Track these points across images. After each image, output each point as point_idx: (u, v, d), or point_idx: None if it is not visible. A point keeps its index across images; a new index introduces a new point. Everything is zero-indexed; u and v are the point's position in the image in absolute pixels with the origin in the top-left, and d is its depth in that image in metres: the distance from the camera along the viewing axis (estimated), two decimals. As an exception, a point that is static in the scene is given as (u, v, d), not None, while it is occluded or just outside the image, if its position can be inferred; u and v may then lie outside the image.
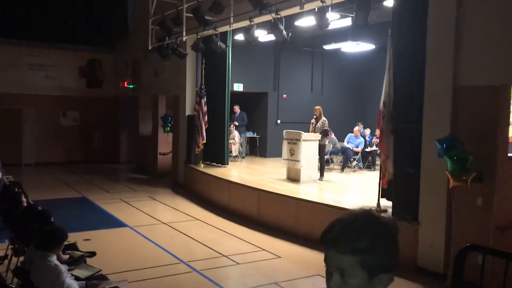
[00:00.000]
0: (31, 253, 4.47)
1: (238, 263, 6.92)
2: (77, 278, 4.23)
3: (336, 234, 1.39)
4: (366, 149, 12.91)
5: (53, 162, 17.37)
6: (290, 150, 10.25)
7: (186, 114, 13.28)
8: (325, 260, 1.41)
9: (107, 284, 4.36)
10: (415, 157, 6.63)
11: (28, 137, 17.41)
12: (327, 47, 13.21)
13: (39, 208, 5.45)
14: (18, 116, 17.19)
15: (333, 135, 13.04)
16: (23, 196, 6.78)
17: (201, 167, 12.39)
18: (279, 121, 15.52)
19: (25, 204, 6.59)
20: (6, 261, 5.79)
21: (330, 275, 1.39)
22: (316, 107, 10.81)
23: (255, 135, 15.88)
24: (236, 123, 14.22)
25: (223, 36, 11.21)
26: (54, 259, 4.06)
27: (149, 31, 12.30)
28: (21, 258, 5.27)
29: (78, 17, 17.63)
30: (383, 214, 7.04)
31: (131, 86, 17.13)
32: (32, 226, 4.99)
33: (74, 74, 18.15)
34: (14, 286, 4.61)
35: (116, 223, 9.27)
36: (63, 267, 4.09)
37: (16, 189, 7.28)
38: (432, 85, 6.42)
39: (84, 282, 4.23)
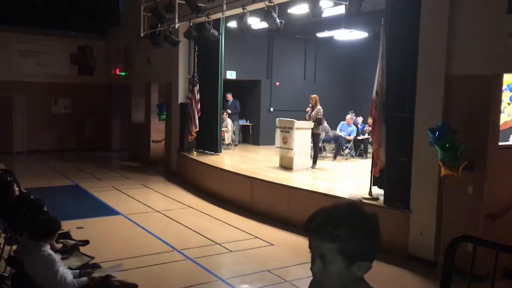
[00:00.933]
0: (24, 242, 4.46)
1: (231, 251, 6.96)
2: (70, 268, 4.23)
3: (318, 222, 1.49)
4: (359, 137, 12.96)
5: (44, 149, 17.28)
6: (283, 138, 10.27)
7: (179, 102, 13.24)
8: (309, 247, 1.53)
9: (101, 272, 4.38)
10: (407, 145, 6.67)
11: (19, 124, 17.27)
12: (320, 34, 13.16)
13: (32, 197, 5.43)
14: (9, 103, 17.02)
15: (325, 123, 13.06)
16: (15, 184, 6.74)
17: (194, 155, 12.38)
18: (272, 109, 15.52)
19: (17, 192, 6.55)
20: (-1, 250, 5.77)
21: (313, 260, 1.51)
22: (312, 96, 10.81)
23: (248, 123, 15.88)
24: (229, 111, 14.21)
25: (216, 23, 11.13)
26: (47, 248, 4.06)
27: (141, 17, 12.18)
28: (14, 247, 5.27)
29: (69, 3, 17.37)
30: (374, 202, 7.11)
31: (123, 74, 17.01)
32: (25, 215, 4.98)
33: (65, 61, 17.98)
34: (7, 275, 4.62)
35: (109, 211, 9.27)
36: (57, 257, 4.09)
37: (8, 178, 7.23)
38: (424, 73, 6.44)
39: (78, 271, 4.24)
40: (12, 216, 5.58)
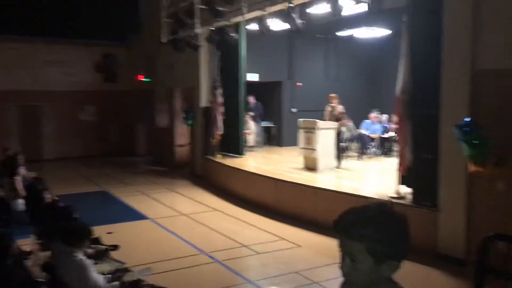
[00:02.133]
0: (56, 248, 4.58)
1: (258, 253, 6.99)
2: (101, 273, 4.33)
3: (347, 221, 1.53)
4: (383, 136, 12.82)
5: (72, 156, 17.66)
6: (307, 139, 10.24)
7: (202, 106, 13.34)
8: (339, 246, 1.56)
9: (131, 276, 4.46)
10: (433, 143, 6.58)
11: (47, 132, 17.70)
12: (341, 33, 13.09)
13: (62, 204, 5.56)
14: (38, 112, 17.48)
15: (350, 122, 12.97)
16: (46, 192, 6.93)
17: (218, 158, 12.46)
18: (294, 110, 15.48)
19: (49, 200, 6.73)
20: (33, 256, 5.93)
21: (343, 259, 1.55)
22: (332, 95, 10.75)
23: (271, 125, 15.88)
24: (252, 113, 14.24)
25: (237, 26, 11.19)
26: (80, 254, 4.16)
27: (162, 24, 12.33)
28: (47, 253, 5.41)
29: (92, 12, 17.72)
30: (401, 201, 7.02)
31: (147, 80, 17.24)
32: (56, 222, 5.11)
33: (89, 69, 18.34)
34: (42, 280, 4.74)
35: (137, 215, 9.41)
36: (89, 262, 4.19)
37: (39, 186, 7.44)
38: (449, 69, 6.34)
39: (110, 276, 4.33)
40: (45, 223, 5.74)
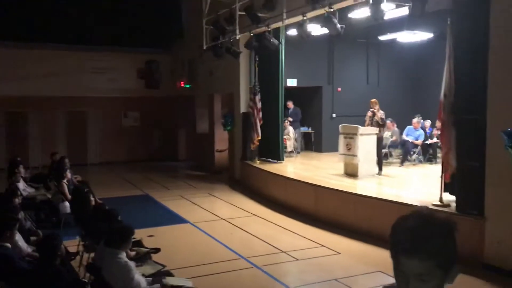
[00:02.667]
0: (101, 250, 4.72)
1: (297, 259, 6.95)
2: (143, 275, 4.42)
3: (409, 242, 1.41)
4: (427, 142, 12.50)
5: (116, 161, 18.16)
6: (347, 145, 10.11)
7: (241, 111, 13.44)
8: (398, 268, 1.46)
9: (172, 281, 4.52)
10: (479, 149, 6.37)
11: (92, 137, 18.31)
12: (382, 37, 12.88)
13: (107, 207, 5.72)
14: (83, 118, 18.10)
15: (395, 127, 12.72)
16: (91, 195, 7.15)
17: (257, 163, 12.50)
18: (334, 115, 15.34)
19: (93, 203, 6.95)
20: (78, 257, 6.14)
21: (406, 281, 1.43)
22: (372, 100, 10.58)
23: (309, 130, 15.79)
24: (290, 119, 14.22)
25: (276, 32, 11.24)
26: (123, 256, 4.27)
27: (203, 31, 12.53)
28: (92, 255, 5.58)
29: (135, 20, 18.25)
30: (446, 209, 6.82)
31: (187, 86, 17.55)
32: (101, 224, 5.27)
33: (133, 76, 18.85)
34: (87, 281, 4.90)
35: (177, 219, 9.56)
36: (132, 264, 4.29)
37: (84, 189, 7.69)
38: (497, 73, 6.13)
39: (150, 279, 4.41)
40: (90, 225, 5.92)
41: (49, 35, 17.01)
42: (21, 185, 9.36)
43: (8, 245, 4.79)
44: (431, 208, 1.56)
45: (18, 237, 5.29)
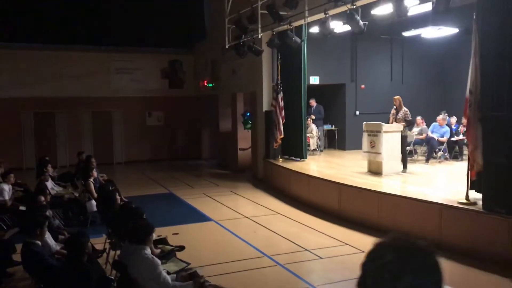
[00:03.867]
0: (126, 247, 4.82)
1: (321, 258, 6.93)
2: (168, 273, 4.50)
3: (373, 278, 1.29)
4: (452, 139, 12.29)
5: (140, 160, 18.44)
6: (371, 143, 10.03)
7: (264, 110, 13.46)
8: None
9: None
10: (507, 146, 6.23)
11: (117, 137, 18.61)
12: (406, 33, 12.70)
13: (133, 206, 5.82)
14: (108, 118, 18.42)
15: (424, 124, 12.53)
16: (117, 193, 7.28)
17: (280, 162, 12.51)
18: (358, 113, 15.21)
19: (119, 201, 7.08)
20: (104, 254, 6.27)
21: None
22: (396, 97, 10.46)
23: (333, 128, 15.71)
24: (313, 117, 14.17)
25: (298, 30, 11.21)
26: (149, 251, 4.35)
27: (225, 30, 12.59)
28: (118, 252, 5.69)
29: (158, 20, 18.46)
30: (472, 207, 6.71)
31: (210, 85, 17.67)
32: (127, 223, 5.37)
33: (157, 76, 19.07)
34: (113, 278, 5.00)
35: (201, 217, 9.65)
36: (158, 260, 4.37)
37: (110, 187, 7.83)
38: (524, 68, 5.98)
39: (175, 275, 4.48)
40: (116, 223, 6.03)
41: (74, 37, 17.37)
42: (50, 184, 9.60)
43: (38, 242, 4.94)
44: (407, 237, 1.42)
45: (47, 235, 5.44)
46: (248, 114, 15.03)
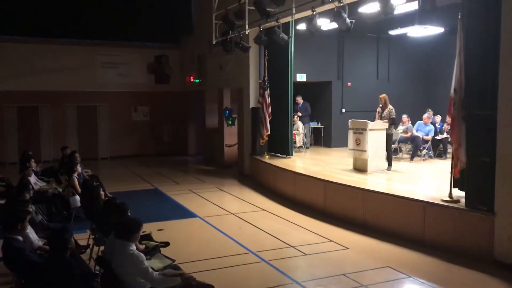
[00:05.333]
0: (111, 243, 4.77)
1: (305, 254, 6.96)
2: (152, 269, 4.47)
3: None
4: (437, 137, 12.42)
5: (126, 155, 18.29)
6: (356, 140, 10.09)
7: (250, 106, 13.45)
8: None
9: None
10: (490, 144, 6.32)
11: (102, 132, 18.45)
12: (393, 32, 12.78)
13: (117, 201, 5.77)
14: (93, 112, 18.25)
15: (409, 123, 12.62)
16: (101, 189, 7.21)
17: (266, 158, 12.52)
18: (344, 110, 15.29)
19: (103, 197, 7.01)
20: (88, 250, 6.21)
21: None
22: (381, 96, 10.52)
23: (319, 125, 15.77)
24: (300, 114, 14.20)
25: (285, 27, 11.19)
26: (134, 247, 4.32)
27: (213, 25, 12.53)
28: (102, 248, 5.64)
29: (145, 14, 18.31)
30: (455, 205, 6.80)
31: (197, 81, 17.59)
32: (111, 218, 5.32)
33: (143, 71, 18.93)
34: (97, 272, 4.95)
35: (186, 213, 9.62)
36: (143, 256, 4.34)
37: (94, 183, 7.75)
38: (508, 68, 6.06)
39: (159, 272, 4.45)
40: (100, 218, 5.97)
41: (59, 30, 17.14)
42: (33, 178, 9.47)
43: (20, 237, 4.86)
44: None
45: (29, 230, 5.36)
46: (228, 111, 15.16)
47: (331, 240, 7.56)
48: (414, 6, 9.31)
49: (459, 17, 6.72)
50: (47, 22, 16.91)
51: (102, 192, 7.05)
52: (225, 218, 9.31)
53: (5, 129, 16.87)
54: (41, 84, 16.91)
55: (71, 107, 17.81)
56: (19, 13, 16.61)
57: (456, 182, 7.08)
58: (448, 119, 9.10)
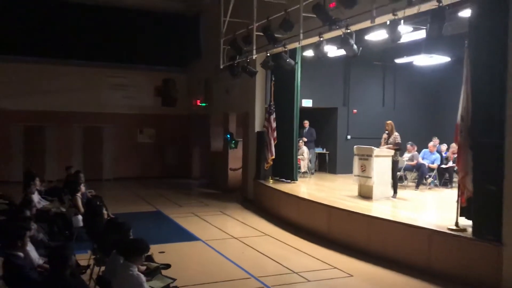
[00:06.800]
0: (112, 263, 4.71)
1: (309, 280, 6.84)
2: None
3: None
4: (443, 165, 12.34)
5: (130, 177, 18.27)
6: (362, 166, 10.03)
7: (256, 130, 13.46)
8: None
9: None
10: (497, 173, 6.25)
11: (107, 153, 18.48)
12: (399, 60, 12.87)
13: (120, 220, 5.72)
14: (99, 133, 18.32)
15: (415, 151, 12.55)
16: (104, 209, 7.17)
17: (270, 183, 12.45)
18: (349, 137, 15.28)
19: (106, 216, 6.96)
20: (89, 271, 6.12)
21: None
22: (388, 122, 10.52)
23: (324, 151, 15.74)
24: (305, 139, 14.20)
25: (292, 52, 11.31)
26: (135, 269, 4.25)
27: (220, 50, 12.67)
28: (102, 268, 5.56)
29: (153, 38, 18.58)
30: (462, 234, 6.69)
31: (203, 104, 17.69)
32: (113, 238, 5.26)
33: (150, 93, 19.08)
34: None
35: (189, 236, 9.52)
36: (143, 278, 4.27)
37: (97, 202, 7.71)
38: (515, 97, 6.05)
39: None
40: (102, 238, 5.92)
41: (68, 51, 17.39)
42: (36, 197, 9.44)
43: (21, 254, 4.81)
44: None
45: (30, 248, 5.30)
46: (229, 135, 15.28)
47: (335, 267, 7.43)
48: (421, 34, 9.40)
49: (466, 45, 6.76)
50: (57, 43, 17.20)
51: (105, 212, 7.02)
52: (227, 242, 9.20)
53: (11, 148, 16.93)
54: (48, 104, 17.06)
55: (77, 127, 17.91)
56: (29, 34, 16.89)
57: (463, 211, 6.99)
58: (454, 147, 9.06)
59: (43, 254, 5.66)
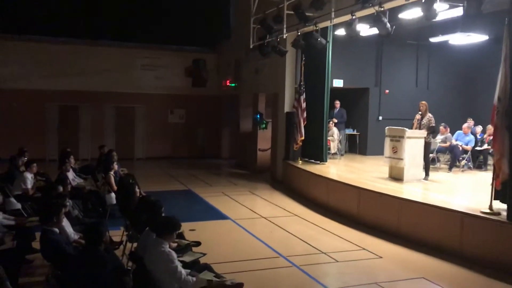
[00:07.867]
0: (144, 239, 4.82)
1: (337, 261, 6.84)
2: (183, 263, 4.49)
3: None
4: (477, 148, 12.03)
5: (160, 156, 18.57)
6: (393, 148, 9.88)
7: (285, 111, 13.40)
8: None
9: (207, 275, 4.52)
10: (535, 156, 6.05)
11: (139, 133, 18.80)
12: (433, 39, 12.49)
13: (152, 199, 5.83)
14: (131, 114, 18.63)
15: (448, 132, 12.27)
16: (136, 187, 7.31)
17: (299, 164, 12.43)
18: (381, 118, 15.04)
19: (138, 194, 7.11)
20: (121, 247, 6.30)
21: None
22: (422, 102, 10.27)
23: (354, 132, 15.57)
24: (335, 120, 14.05)
25: (324, 31, 11.13)
26: (166, 246, 4.34)
27: (250, 30, 12.59)
28: (135, 244, 5.71)
29: (184, 19, 18.60)
30: (496, 217, 6.53)
31: (233, 85, 17.70)
32: (145, 215, 5.38)
33: (180, 74, 19.20)
34: (129, 268, 5.01)
35: (218, 215, 9.65)
36: (175, 254, 4.36)
37: (130, 180, 7.88)
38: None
39: (189, 271, 4.46)
40: (134, 215, 6.06)
41: (101, 32, 17.64)
42: (71, 174, 9.72)
43: (56, 229, 4.98)
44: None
45: (66, 223, 5.48)
46: (258, 115, 15.23)
47: (363, 248, 7.41)
48: (458, 12, 9.06)
49: (506, 23, 6.49)
50: (90, 24, 17.46)
51: (137, 190, 7.16)
52: (256, 221, 9.28)
53: (46, 127, 17.43)
54: (82, 84, 17.42)
55: (110, 107, 18.25)
56: (63, 15, 17.18)
57: (497, 194, 6.82)
58: (490, 129, 8.80)
59: (78, 230, 5.85)
